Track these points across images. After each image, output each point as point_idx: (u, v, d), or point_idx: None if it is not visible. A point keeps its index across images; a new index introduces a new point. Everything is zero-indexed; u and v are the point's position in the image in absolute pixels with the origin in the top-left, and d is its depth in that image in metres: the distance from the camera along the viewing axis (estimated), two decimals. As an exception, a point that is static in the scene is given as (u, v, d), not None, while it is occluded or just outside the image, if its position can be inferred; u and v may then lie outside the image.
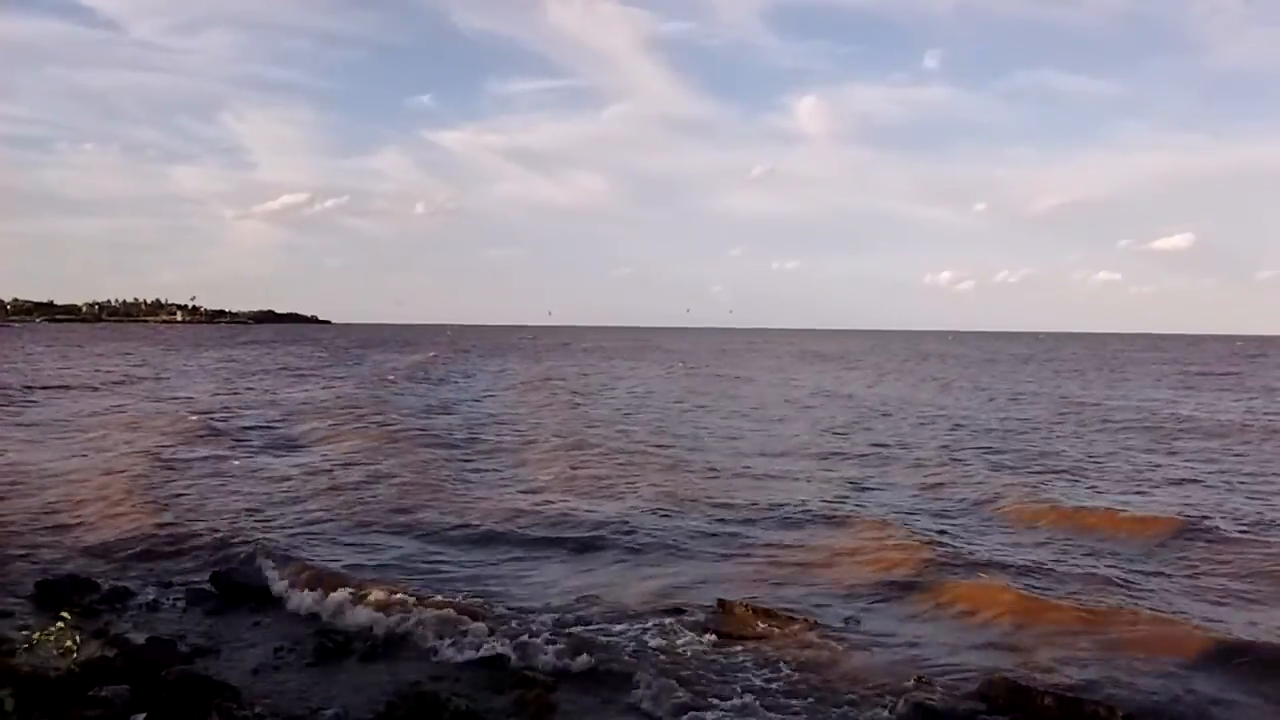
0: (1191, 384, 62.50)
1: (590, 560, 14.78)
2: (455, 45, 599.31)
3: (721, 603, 12.09)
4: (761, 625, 11.40)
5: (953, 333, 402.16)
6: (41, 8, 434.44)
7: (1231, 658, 10.15)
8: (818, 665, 10.15)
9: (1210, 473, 23.64)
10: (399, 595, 12.03)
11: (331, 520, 17.29)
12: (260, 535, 15.63)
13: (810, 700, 9.21)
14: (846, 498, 19.81)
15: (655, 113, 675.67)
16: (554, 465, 23.85)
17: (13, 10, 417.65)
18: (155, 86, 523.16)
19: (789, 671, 9.95)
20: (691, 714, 8.80)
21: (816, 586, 13.21)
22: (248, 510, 18.11)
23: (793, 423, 35.73)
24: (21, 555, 14.41)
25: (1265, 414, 39.15)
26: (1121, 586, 13.08)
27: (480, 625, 10.92)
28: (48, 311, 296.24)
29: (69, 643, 7.74)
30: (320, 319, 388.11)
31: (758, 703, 9.06)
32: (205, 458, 24.56)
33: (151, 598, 12.42)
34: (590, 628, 11.37)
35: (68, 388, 47.62)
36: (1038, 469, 24.29)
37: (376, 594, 12.06)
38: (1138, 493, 20.86)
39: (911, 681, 9.50)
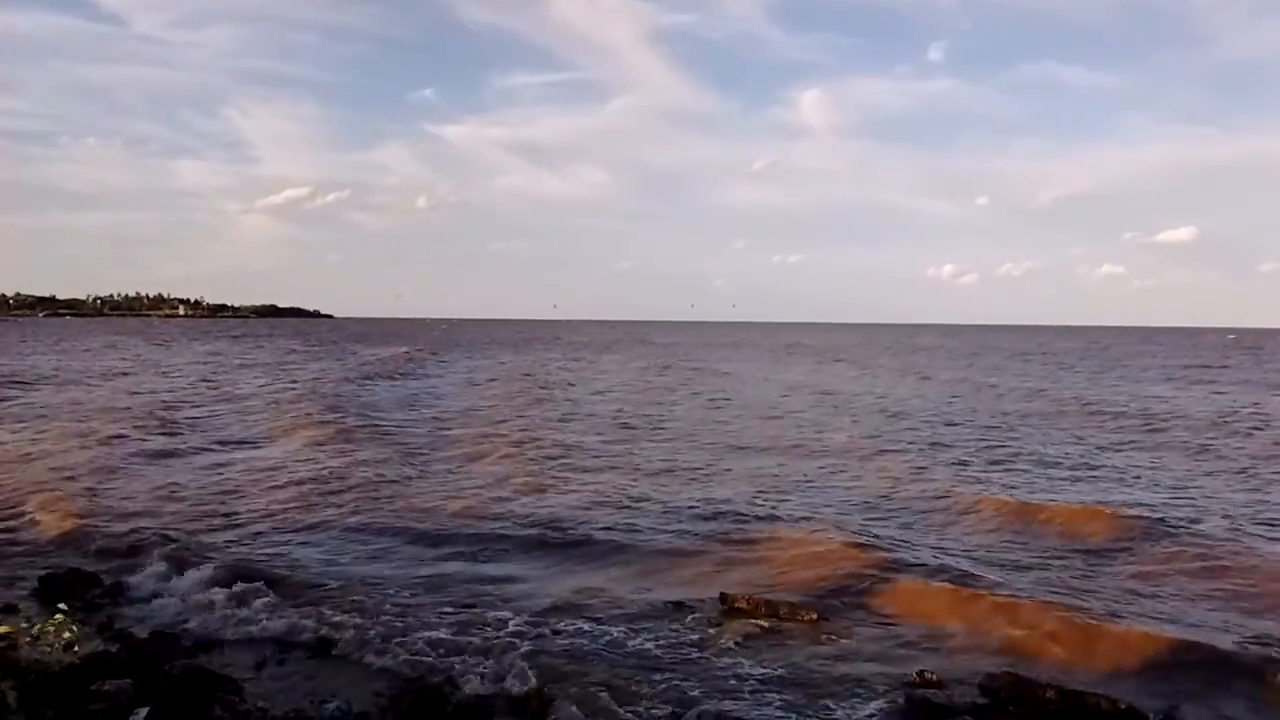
0: (1175, 378, 62.21)
1: (543, 558, 14.59)
2: (458, 38, 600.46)
3: (724, 596, 12.14)
4: (761, 618, 11.51)
5: (951, 326, 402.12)
6: (44, 2, 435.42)
7: (1163, 657, 10.10)
8: (817, 659, 10.25)
9: (1168, 468, 23.54)
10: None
11: (254, 518, 17.14)
12: (181, 532, 15.60)
13: (810, 694, 9.26)
14: (789, 496, 19.56)
15: (658, 106, 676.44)
16: (499, 463, 23.55)
17: (16, 4, 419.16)
18: (158, 81, 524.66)
19: (788, 665, 10.03)
20: (696, 709, 8.79)
21: (760, 588, 12.95)
22: (193, 505, 18.15)
23: (756, 417, 35.61)
24: (20, 551, 14.49)
25: (1239, 410, 38.78)
26: (1073, 586, 12.96)
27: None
28: (50, 306, 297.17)
29: (68, 634, 7.83)
30: (323, 313, 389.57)
31: (757, 697, 9.14)
32: (156, 452, 24.57)
33: (155, 589, 12.43)
34: (578, 625, 11.43)
35: (26, 383, 47.38)
36: (996, 462, 24.33)
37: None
38: (1091, 486, 20.81)
39: (914, 675, 9.54)
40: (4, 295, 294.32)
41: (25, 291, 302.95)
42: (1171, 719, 8.70)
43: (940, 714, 8.65)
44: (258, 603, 11.68)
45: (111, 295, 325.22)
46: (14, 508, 17.38)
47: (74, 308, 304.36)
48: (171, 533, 15.49)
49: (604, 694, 8.97)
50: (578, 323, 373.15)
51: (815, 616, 11.60)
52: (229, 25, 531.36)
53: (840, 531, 15.68)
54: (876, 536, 15.66)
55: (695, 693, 9.18)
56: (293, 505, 18.14)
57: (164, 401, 38.16)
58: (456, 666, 9.73)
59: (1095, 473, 22.73)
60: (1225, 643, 10.50)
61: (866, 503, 18.97)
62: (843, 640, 10.92)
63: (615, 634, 10.96)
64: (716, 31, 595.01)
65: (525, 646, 10.32)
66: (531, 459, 23.97)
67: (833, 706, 8.97)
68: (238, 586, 12.07)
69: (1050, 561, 14.38)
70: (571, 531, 15.92)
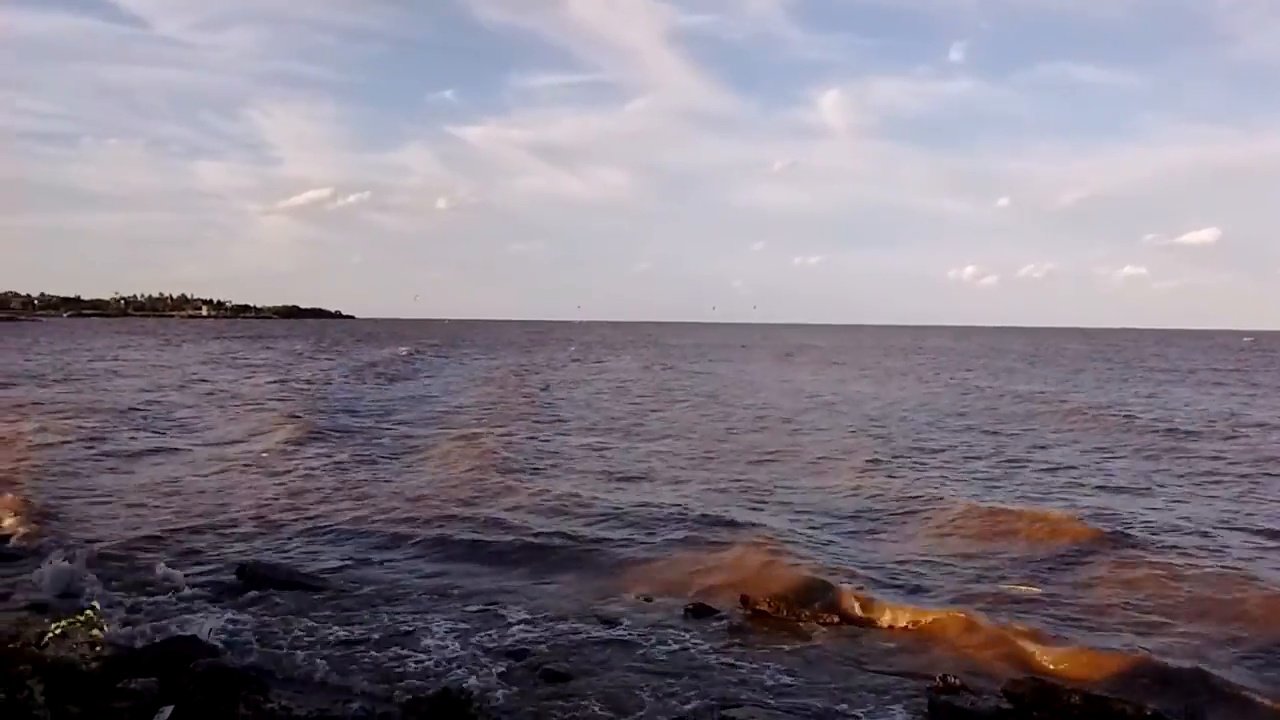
0: (1184, 381, 61.50)
1: (541, 564, 14.51)
2: (477, 39, 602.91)
3: (745, 599, 12.12)
4: (783, 620, 11.58)
5: (970, 328, 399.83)
6: (67, 4, 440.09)
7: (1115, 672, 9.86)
8: (839, 662, 10.29)
9: (1145, 476, 23.01)
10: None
11: (246, 518, 17.18)
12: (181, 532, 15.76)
13: (834, 696, 9.26)
14: (749, 503, 19.19)
15: (677, 107, 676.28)
16: (455, 464, 23.43)
17: (39, 6, 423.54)
18: (180, 82, 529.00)
19: (810, 667, 10.07)
20: (720, 713, 8.76)
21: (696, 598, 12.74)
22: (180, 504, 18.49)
23: (738, 419, 35.43)
24: (53, 543, 14.58)
25: (1236, 415, 37.94)
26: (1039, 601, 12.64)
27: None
28: (75, 306, 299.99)
29: (96, 632, 7.85)
30: (344, 314, 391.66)
31: (782, 700, 9.13)
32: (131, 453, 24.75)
33: (178, 588, 12.48)
34: (587, 625, 11.52)
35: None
36: (967, 467, 24.15)
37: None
38: (1063, 495, 20.26)
39: (937, 680, 9.48)
40: (29, 296, 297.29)
41: (50, 292, 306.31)
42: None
43: (964, 718, 8.61)
44: (276, 603, 11.84)
45: (135, 296, 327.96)
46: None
47: (98, 308, 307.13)
48: (171, 531, 15.75)
49: (629, 696, 9.07)
50: (596, 324, 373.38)
51: (837, 619, 11.62)
52: (250, 27, 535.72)
53: (783, 542, 15.34)
54: (827, 544, 15.53)
55: (719, 694, 9.20)
56: (281, 506, 18.23)
57: (147, 400, 38.53)
58: (475, 670, 9.79)
59: (1071, 477, 22.46)
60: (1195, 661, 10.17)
61: (831, 508, 18.64)
62: (864, 644, 10.91)
63: (633, 637, 11.00)
64: (736, 32, 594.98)
65: (541, 649, 10.42)
66: (488, 461, 23.70)
67: (856, 710, 8.97)
68: (251, 590, 12.30)
69: (1017, 570, 14.08)
70: (568, 535, 15.90)
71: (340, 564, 14.16)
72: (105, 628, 8.91)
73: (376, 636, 10.72)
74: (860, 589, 12.50)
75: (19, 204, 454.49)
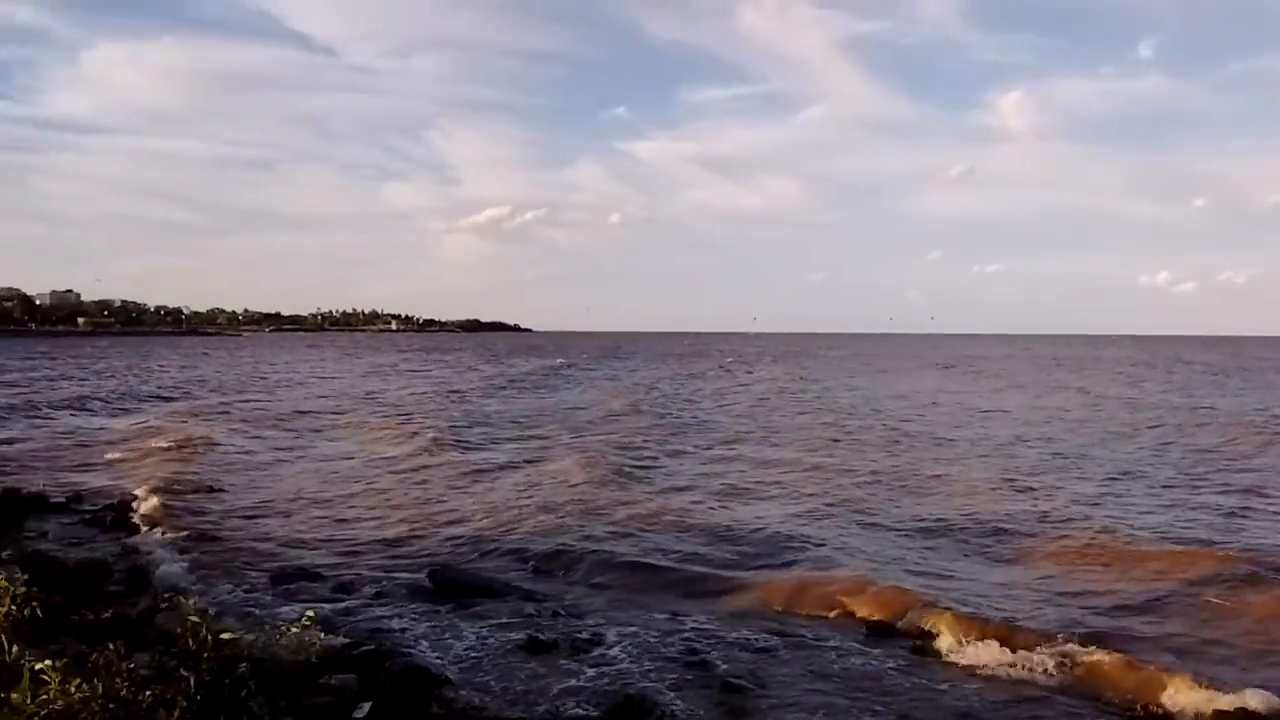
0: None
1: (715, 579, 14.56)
2: (647, 56, 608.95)
3: (930, 612, 11.96)
4: (943, 645, 11.26)
5: (1166, 338, 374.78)
6: (266, 36, 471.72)
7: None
8: (1010, 691, 10.11)
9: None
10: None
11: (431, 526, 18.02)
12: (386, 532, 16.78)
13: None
14: (885, 523, 18.58)
15: (850, 115, 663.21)
16: (585, 476, 23.44)
17: (241, 40, 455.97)
18: (368, 108, 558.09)
19: (998, 689, 9.97)
20: None
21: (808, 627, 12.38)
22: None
23: (877, 434, 34.14)
24: (262, 543, 15.96)
25: None
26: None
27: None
28: (276, 322, 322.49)
29: (296, 629, 7.98)
30: (521, 327, 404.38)
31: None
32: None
33: (374, 591, 13.13)
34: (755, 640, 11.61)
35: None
36: (1122, 488, 22.40)
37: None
38: (1219, 525, 18.37)
39: (1138, 709, 9.48)
40: (234, 312, 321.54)
41: (253, 308, 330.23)
42: None
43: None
44: (465, 607, 12.40)
45: (330, 311, 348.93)
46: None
47: (297, 323, 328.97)
48: (352, 536, 16.80)
49: (810, 710, 9.18)
50: (767, 336, 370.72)
51: (998, 648, 11.10)
52: (435, 53, 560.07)
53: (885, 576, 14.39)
54: (939, 575, 14.80)
55: (902, 712, 9.23)
56: (439, 513, 19.08)
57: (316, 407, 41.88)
58: (655, 679, 9.97)
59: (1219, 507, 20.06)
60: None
61: (941, 534, 17.66)
62: (1030, 676, 10.49)
63: (807, 652, 11.09)
64: (910, 37, 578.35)
65: (717, 660, 10.55)
66: (632, 476, 23.85)
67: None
68: (441, 594, 12.93)
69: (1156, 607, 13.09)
70: (702, 552, 15.93)
71: (514, 572, 14.61)
72: (322, 634, 9.38)
73: (559, 643, 10.97)
74: (1014, 620, 12.03)
75: (225, 227, 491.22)
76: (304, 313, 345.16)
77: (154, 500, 18.94)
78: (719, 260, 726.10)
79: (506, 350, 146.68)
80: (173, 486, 20.95)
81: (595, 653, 10.77)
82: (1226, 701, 9.36)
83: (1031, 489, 22.23)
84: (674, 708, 9.10)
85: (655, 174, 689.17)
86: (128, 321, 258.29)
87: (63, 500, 19.05)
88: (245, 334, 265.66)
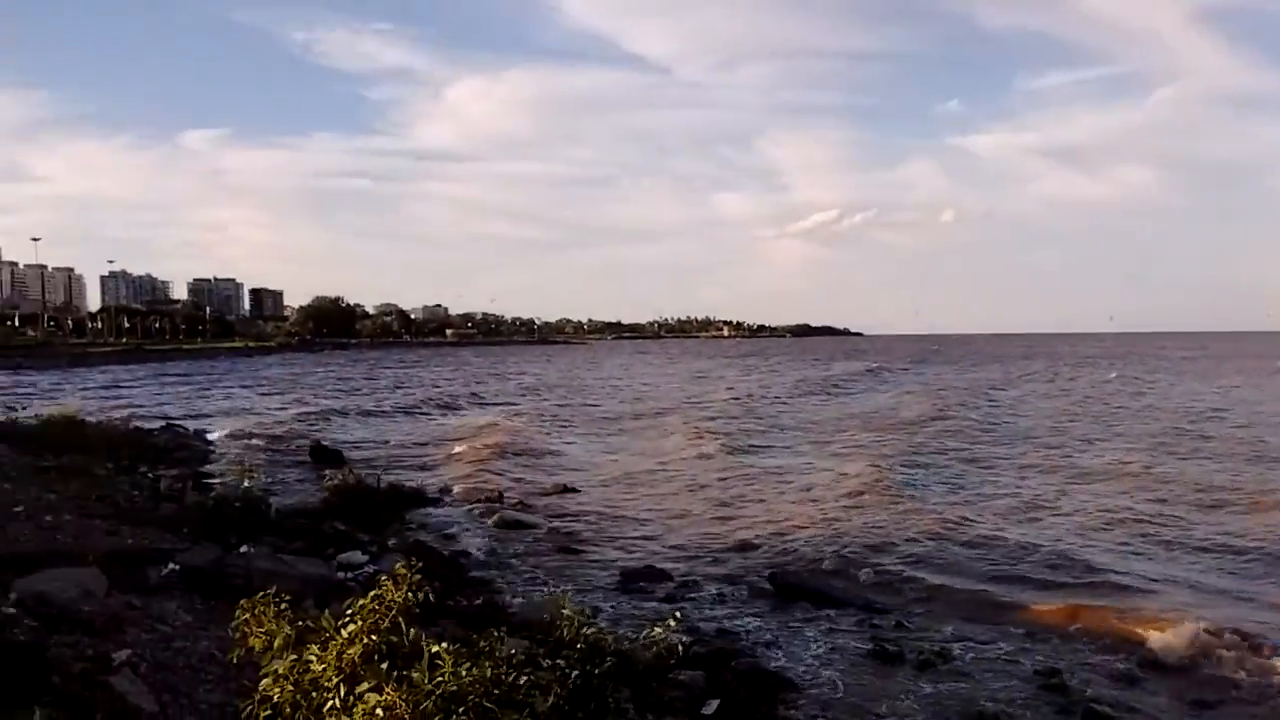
0: None
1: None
2: (980, 46, 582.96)
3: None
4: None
5: None
6: (604, 61, 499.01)
7: None
8: None
9: None
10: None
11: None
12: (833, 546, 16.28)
13: None
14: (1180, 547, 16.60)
15: (1210, 91, 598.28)
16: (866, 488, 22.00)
17: (581, 66, 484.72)
18: (700, 121, 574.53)
19: None
20: None
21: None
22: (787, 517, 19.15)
23: (1186, 446, 30.25)
24: (607, 542, 16.76)
25: None
26: None
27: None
28: (617, 330, 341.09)
29: (673, 640, 8.23)
30: (851, 331, 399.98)
31: None
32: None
33: (716, 591, 13.46)
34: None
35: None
36: None
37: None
38: None
39: None
40: (580, 321, 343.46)
41: (596, 318, 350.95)
42: None
43: None
44: (805, 613, 12.42)
45: (667, 319, 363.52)
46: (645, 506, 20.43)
47: (636, 331, 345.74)
48: (690, 536, 17.12)
49: None
50: (1123, 335, 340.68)
51: None
52: (761, 63, 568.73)
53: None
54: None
55: None
56: (744, 514, 19.19)
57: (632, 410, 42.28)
58: (1016, 700, 9.59)
59: None
60: None
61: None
62: None
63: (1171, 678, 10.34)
64: (1275, 2, 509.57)
65: (1084, 691, 9.82)
66: (921, 489, 22.33)
67: None
68: (782, 598, 13.07)
69: None
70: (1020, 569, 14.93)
71: (846, 579, 14.28)
72: (683, 639, 9.40)
73: (905, 655, 10.69)
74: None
75: (570, 242, 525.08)
76: (642, 321, 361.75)
77: (514, 498, 20.49)
78: (1065, 256, 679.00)
79: (827, 355, 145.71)
80: (527, 484, 22.54)
81: (944, 667, 10.42)
82: None
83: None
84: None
85: (992, 168, 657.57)
86: (488, 332, 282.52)
87: (435, 495, 20.90)
88: (589, 341, 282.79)
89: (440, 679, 4.22)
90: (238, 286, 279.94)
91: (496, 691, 4.37)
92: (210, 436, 29.83)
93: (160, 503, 16.50)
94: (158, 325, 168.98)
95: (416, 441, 32.00)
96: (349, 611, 4.59)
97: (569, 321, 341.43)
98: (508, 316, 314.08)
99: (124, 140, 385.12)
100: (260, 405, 46.65)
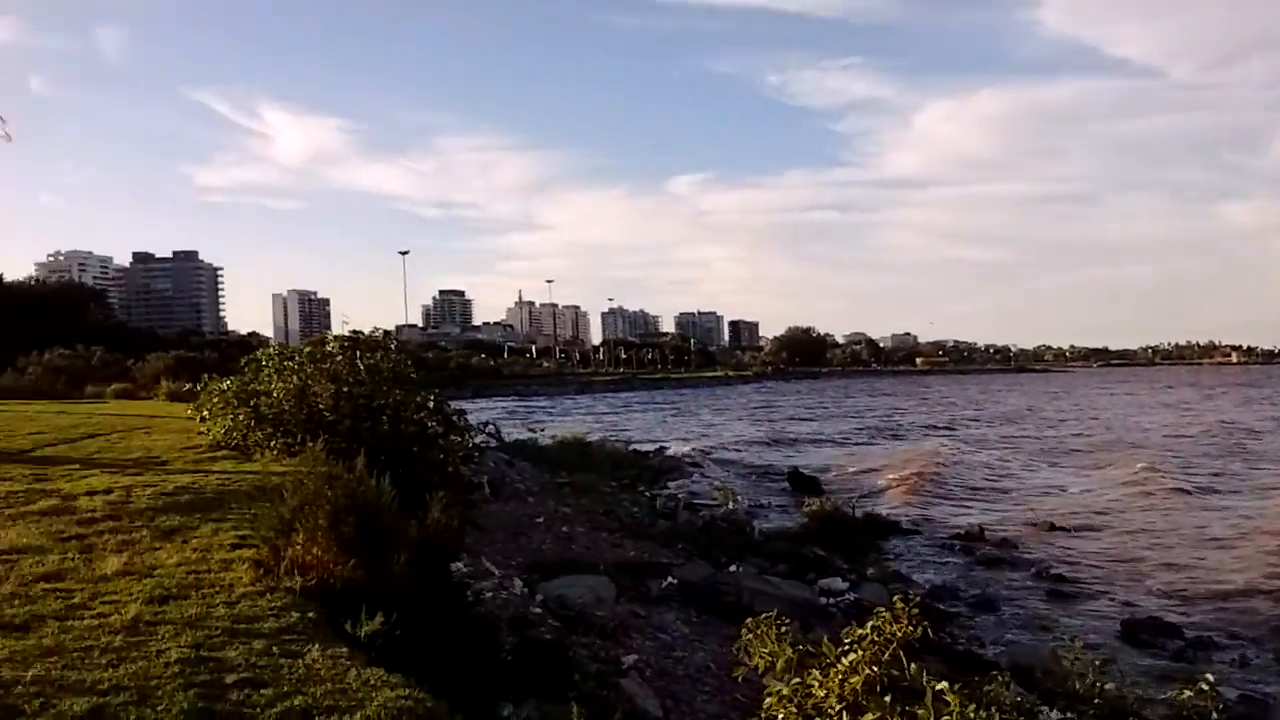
0: None
1: None
2: None
3: None
4: None
5: None
6: (1083, 69, 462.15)
7: None
8: None
9: None
10: None
11: None
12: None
13: None
14: None
15: None
16: None
17: (1059, 77, 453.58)
18: (1197, 125, 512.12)
19: None
20: None
21: None
22: None
23: None
24: (1099, 586, 15.62)
25: None
26: None
27: None
28: (1103, 357, 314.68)
29: (1207, 702, 7.80)
30: None
31: None
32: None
33: (1239, 654, 12.01)
34: None
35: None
36: None
37: None
38: None
39: None
40: (1060, 348, 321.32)
41: (1078, 344, 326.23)
42: None
43: None
44: None
45: (1161, 344, 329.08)
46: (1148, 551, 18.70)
47: (1125, 358, 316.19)
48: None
49: None
50: None
51: None
52: (1267, 57, 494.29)
53: None
54: None
55: None
56: None
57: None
58: None
59: None
60: None
61: None
62: None
63: None
64: None
65: None
66: None
67: None
68: None
69: None
70: None
71: None
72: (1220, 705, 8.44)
73: None
74: None
75: (1046, 264, 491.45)
76: (1132, 346, 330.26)
77: (993, 533, 19.51)
78: None
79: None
80: (1001, 516, 21.59)
81: None
82: None
83: None
84: None
85: None
86: (959, 360, 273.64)
87: (910, 526, 20.54)
88: (1073, 369, 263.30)
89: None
90: (718, 319, 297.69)
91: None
92: (696, 459, 31.93)
93: (657, 519, 17.90)
94: (649, 356, 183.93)
95: (872, 467, 31.85)
96: (847, 640, 4.62)
97: (1047, 348, 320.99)
98: (980, 344, 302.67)
99: (621, 190, 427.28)
100: (738, 430, 49.18)
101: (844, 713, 4.26)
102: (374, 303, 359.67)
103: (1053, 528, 20.46)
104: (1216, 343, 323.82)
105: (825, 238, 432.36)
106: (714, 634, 10.11)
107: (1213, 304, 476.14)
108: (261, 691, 4.03)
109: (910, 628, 4.61)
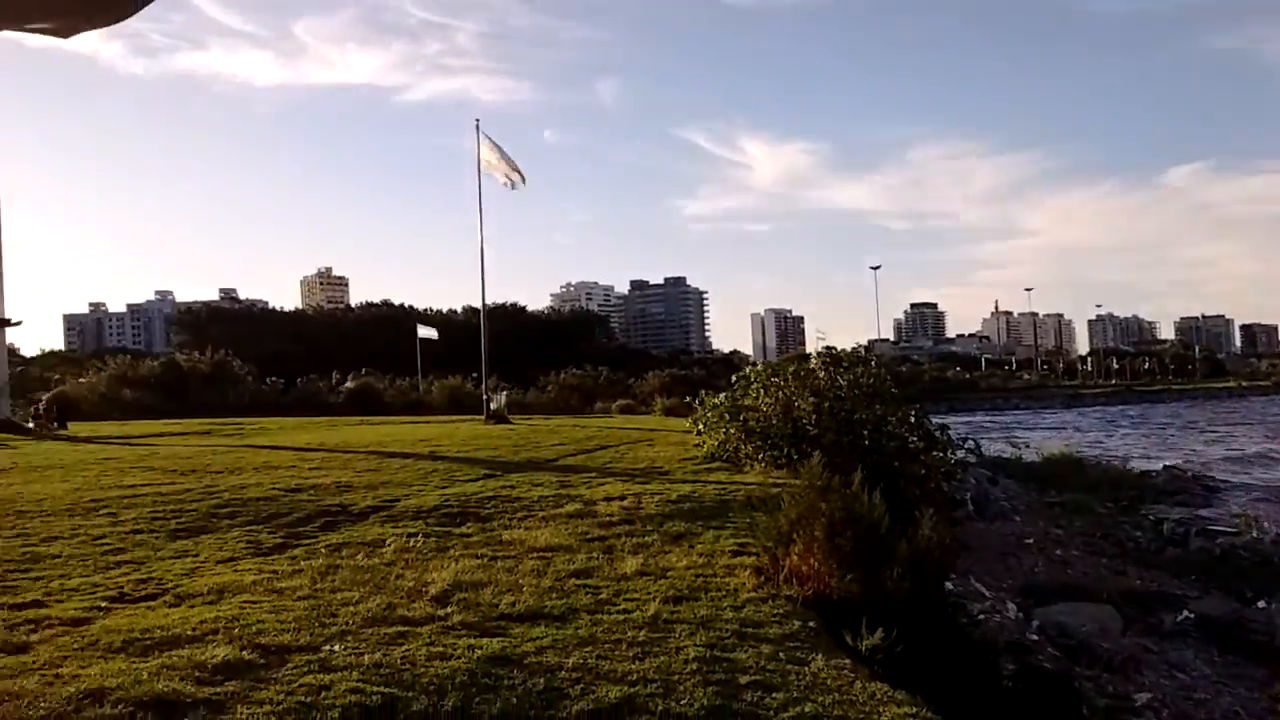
0: None
1: None
2: None
3: None
4: None
5: None
6: None
7: None
8: None
9: None
10: None
11: None
12: None
13: None
14: None
15: None
16: None
17: None
18: None
19: None
20: None
21: None
22: None
23: None
24: None
25: None
26: None
27: None
28: None
29: None
30: None
31: None
32: None
33: None
34: None
35: None
36: None
37: None
38: None
39: None
40: None
41: None
42: None
43: None
44: None
45: None
46: None
47: None
48: None
49: None
50: None
51: None
52: None
53: None
54: None
55: None
56: None
57: None
58: None
59: None
60: None
61: None
62: None
63: None
64: None
65: None
66: None
67: None
68: None
69: None
70: None
71: None
72: None
73: None
74: None
75: None
76: None
77: None
78: None
79: None
80: None
81: None
82: None
83: None
84: None
85: None
86: None
87: None
88: None
89: None
90: (1227, 323, 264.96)
91: None
92: (1207, 480, 28.41)
93: (1164, 546, 16.25)
94: (1145, 366, 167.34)
95: None
96: None
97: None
98: None
99: (1106, 187, 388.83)
100: (1254, 449, 42.91)
101: None
102: (845, 318, 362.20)
103: None
104: None
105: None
106: (1243, 677, 9.10)
107: None
108: (773, 695, 4.21)
109: None
